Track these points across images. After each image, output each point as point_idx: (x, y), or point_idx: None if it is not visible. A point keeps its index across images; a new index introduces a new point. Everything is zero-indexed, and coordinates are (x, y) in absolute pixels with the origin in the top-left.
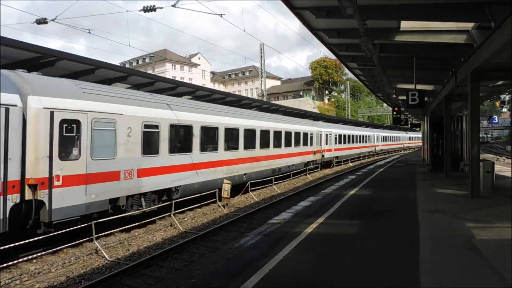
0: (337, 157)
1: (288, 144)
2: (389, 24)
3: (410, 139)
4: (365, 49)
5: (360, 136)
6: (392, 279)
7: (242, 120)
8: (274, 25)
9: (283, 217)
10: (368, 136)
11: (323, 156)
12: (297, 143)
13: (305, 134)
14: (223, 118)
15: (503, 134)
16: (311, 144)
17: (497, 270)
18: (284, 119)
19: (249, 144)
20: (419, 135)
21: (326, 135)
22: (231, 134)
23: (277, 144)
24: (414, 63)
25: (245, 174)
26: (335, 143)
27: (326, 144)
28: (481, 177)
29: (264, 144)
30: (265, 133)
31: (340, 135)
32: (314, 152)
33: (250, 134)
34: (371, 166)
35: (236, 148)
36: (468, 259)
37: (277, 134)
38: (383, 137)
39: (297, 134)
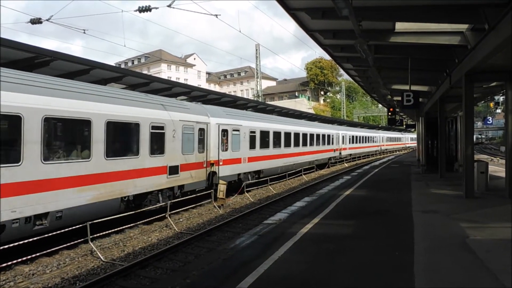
0: (257, 172)
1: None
2: (384, 25)
3: (390, 140)
4: (360, 50)
5: (310, 134)
6: (387, 279)
7: None
8: (270, 27)
9: (278, 217)
10: (329, 135)
11: (214, 174)
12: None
13: (129, 128)
14: None
15: (497, 135)
16: (161, 151)
17: (490, 270)
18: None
19: None
20: (403, 135)
21: (224, 132)
22: None
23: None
24: (409, 64)
25: None
26: (252, 146)
27: (225, 148)
28: (475, 177)
29: None
30: None
31: (264, 133)
32: (174, 170)
33: None
34: (366, 167)
35: None
36: (462, 259)
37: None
38: (354, 137)
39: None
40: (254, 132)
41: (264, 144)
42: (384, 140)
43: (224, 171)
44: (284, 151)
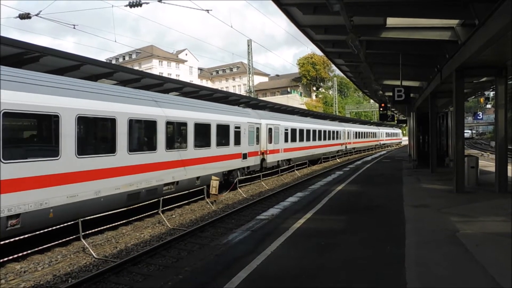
0: None
1: None
2: (376, 20)
3: (361, 136)
4: (352, 46)
5: (179, 124)
6: (378, 273)
7: None
8: (262, 24)
9: (271, 213)
10: (225, 126)
11: None
12: None
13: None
14: None
15: (488, 130)
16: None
17: (479, 263)
18: None
19: None
20: (378, 129)
21: None
22: None
23: None
24: (400, 59)
25: None
26: None
27: None
28: (466, 172)
29: None
30: None
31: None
32: None
33: None
34: (359, 162)
35: None
36: (452, 252)
37: None
38: (297, 131)
39: None
40: None
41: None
42: (352, 136)
43: None
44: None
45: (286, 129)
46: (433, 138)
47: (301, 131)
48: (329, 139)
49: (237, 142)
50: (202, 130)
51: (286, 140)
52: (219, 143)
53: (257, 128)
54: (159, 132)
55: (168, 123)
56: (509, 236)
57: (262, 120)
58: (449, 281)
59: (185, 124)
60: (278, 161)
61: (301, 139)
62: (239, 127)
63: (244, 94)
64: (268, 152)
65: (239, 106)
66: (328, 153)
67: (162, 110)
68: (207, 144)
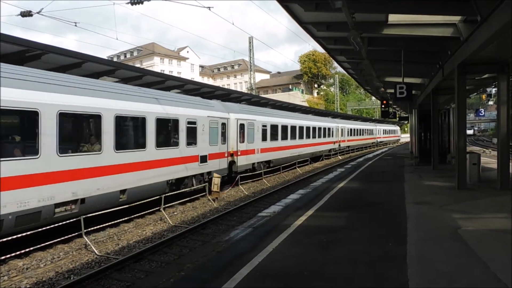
0: None
1: None
2: (377, 17)
3: (356, 134)
4: (354, 43)
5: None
6: (380, 269)
7: None
8: (263, 22)
9: (272, 210)
10: (174, 120)
11: None
12: None
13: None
14: None
15: (490, 127)
16: None
17: (481, 259)
18: None
19: None
20: (375, 126)
21: None
22: None
23: None
24: (402, 56)
25: None
26: None
27: None
28: (468, 169)
29: None
30: None
31: None
32: None
33: None
34: (360, 159)
35: None
36: (454, 249)
37: None
38: (276, 128)
39: None
40: None
41: None
42: (346, 134)
43: None
44: None
45: (264, 125)
46: (435, 135)
47: (284, 127)
48: (319, 136)
49: (192, 141)
50: (131, 126)
51: (264, 139)
52: (161, 143)
53: (224, 124)
54: (45, 130)
55: (65, 116)
56: (510, 232)
57: (232, 114)
58: (451, 277)
59: (98, 117)
60: (253, 163)
61: (285, 137)
62: (194, 122)
63: (246, 92)
64: (239, 153)
65: (241, 103)
66: (319, 152)
67: (46, 95)
68: (140, 144)
